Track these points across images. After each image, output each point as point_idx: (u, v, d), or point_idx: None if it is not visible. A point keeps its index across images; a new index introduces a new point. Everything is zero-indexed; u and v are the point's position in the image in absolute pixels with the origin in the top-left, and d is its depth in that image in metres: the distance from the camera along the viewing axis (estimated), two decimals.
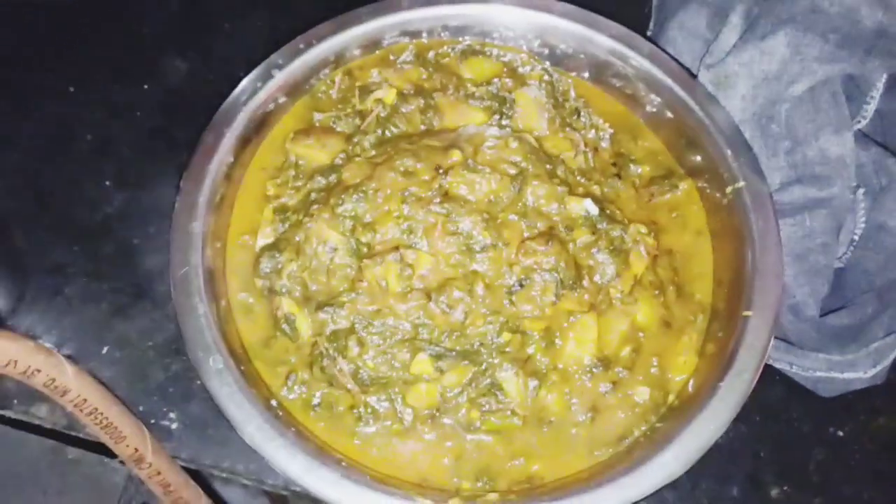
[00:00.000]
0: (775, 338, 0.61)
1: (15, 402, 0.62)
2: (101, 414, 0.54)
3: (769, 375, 0.64)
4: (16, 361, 0.49)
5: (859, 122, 0.62)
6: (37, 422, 0.62)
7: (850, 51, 0.57)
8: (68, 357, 0.56)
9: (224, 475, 0.62)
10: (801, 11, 0.57)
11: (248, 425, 0.50)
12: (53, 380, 0.51)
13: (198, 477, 0.62)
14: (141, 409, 0.62)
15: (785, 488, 0.62)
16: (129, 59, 0.77)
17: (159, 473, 0.58)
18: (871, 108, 0.61)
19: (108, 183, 0.71)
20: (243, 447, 0.59)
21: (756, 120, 0.59)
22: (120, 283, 0.66)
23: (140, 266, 0.67)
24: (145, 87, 0.75)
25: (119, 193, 0.70)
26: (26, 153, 0.72)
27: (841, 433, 0.64)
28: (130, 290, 0.66)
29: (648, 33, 0.73)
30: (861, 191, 0.62)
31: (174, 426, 0.62)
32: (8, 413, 0.62)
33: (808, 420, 0.64)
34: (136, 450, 0.56)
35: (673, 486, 0.61)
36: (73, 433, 0.62)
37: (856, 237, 0.61)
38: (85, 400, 0.53)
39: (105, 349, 0.64)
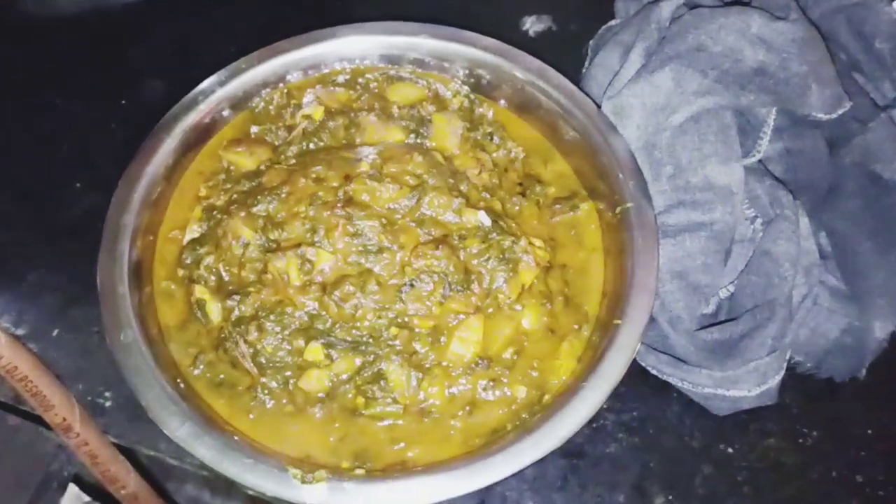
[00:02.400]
0: (669, 355, 0.65)
1: None
2: (31, 382, 0.59)
3: (667, 392, 0.67)
4: None
5: (754, 155, 0.66)
6: None
7: (726, 85, 0.61)
8: (21, 336, 0.62)
9: (151, 452, 0.67)
10: (687, 50, 0.62)
11: (147, 394, 0.56)
12: None
13: (134, 461, 0.68)
14: (80, 386, 0.68)
15: (669, 498, 0.64)
16: (112, 78, 0.85)
17: (87, 444, 0.64)
18: (763, 144, 0.65)
19: (78, 186, 0.78)
20: None
21: (645, 147, 0.64)
22: (77, 276, 0.73)
23: (93, 259, 0.74)
24: (123, 102, 0.83)
25: (87, 197, 0.78)
26: (11, 157, 0.80)
27: (731, 450, 0.66)
28: (85, 283, 0.72)
29: (583, 70, 0.78)
30: (759, 220, 0.66)
31: (108, 404, 0.67)
32: None
33: (700, 436, 0.67)
34: (65, 419, 0.61)
35: (561, 488, 0.65)
36: (20, 406, 0.68)
37: (745, 263, 0.65)
38: (16, 367, 0.58)
39: (56, 332, 0.70)
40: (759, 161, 0.67)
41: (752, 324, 0.61)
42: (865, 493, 0.64)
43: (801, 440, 0.67)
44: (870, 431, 0.67)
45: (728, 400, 0.64)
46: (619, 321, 0.58)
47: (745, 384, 0.62)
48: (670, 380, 0.66)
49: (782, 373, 0.64)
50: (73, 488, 0.69)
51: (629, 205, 0.63)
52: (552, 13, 0.89)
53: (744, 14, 0.62)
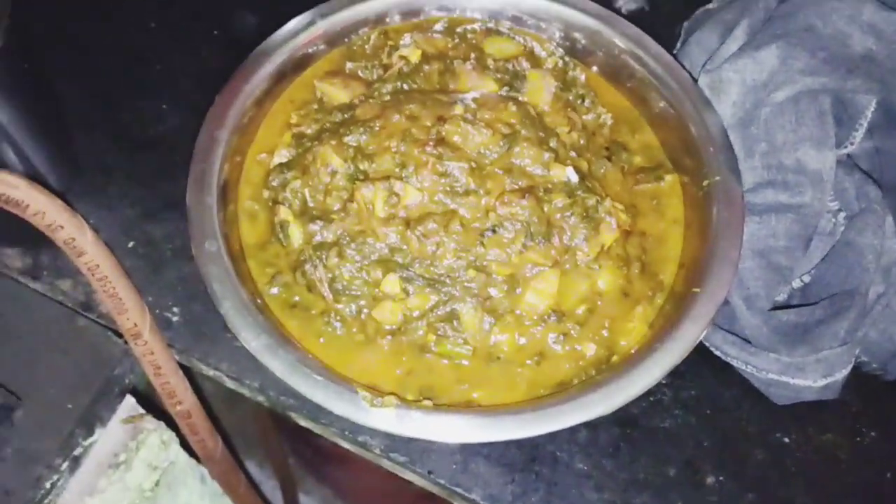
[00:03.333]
0: (736, 335, 0.65)
1: (45, 273, 0.70)
2: (110, 282, 0.61)
3: (727, 375, 0.67)
4: (44, 213, 0.56)
5: (846, 147, 0.65)
6: (60, 297, 0.70)
7: (834, 67, 0.61)
8: None
9: (210, 371, 0.68)
10: (796, 29, 0.62)
11: (225, 301, 0.57)
12: (74, 239, 0.58)
13: (189, 379, 0.69)
14: (150, 299, 0.69)
15: (720, 478, 0.64)
16: (206, 7, 0.86)
17: (152, 353, 0.65)
18: (858, 136, 0.64)
19: (165, 107, 0.79)
20: (231, 349, 0.66)
21: (741, 123, 0.64)
22: (156, 192, 0.74)
23: (176, 181, 0.74)
24: (215, 32, 0.84)
25: (172, 118, 0.79)
26: (103, 69, 0.81)
27: (786, 440, 0.66)
28: (165, 199, 0.74)
29: (674, 51, 0.78)
30: (842, 214, 0.66)
31: (175, 319, 0.69)
32: (37, 285, 0.70)
33: (757, 422, 0.66)
34: (136, 325, 0.63)
35: (613, 455, 0.65)
36: (87, 314, 0.70)
37: (825, 253, 0.64)
38: (98, 265, 0.60)
39: (131, 244, 0.72)
40: (848, 156, 0.67)
41: (830, 311, 0.60)
42: None
43: (858, 438, 0.66)
44: None
45: (791, 388, 0.64)
46: (697, 289, 0.58)
47: (812, 374, 0.62)
48: (733, 362, 0.65)
49: (849, 367, 0.63)
50: (129, 399, 0.71)
51: (717, 178, 0.62)
52: None
53: (856, 0, 0.61)
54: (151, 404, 0.74)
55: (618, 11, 0.87)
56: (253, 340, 0.55)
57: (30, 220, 0.56)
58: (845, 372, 0.63)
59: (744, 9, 0.67)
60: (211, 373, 0.68)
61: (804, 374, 0.62)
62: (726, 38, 0.69)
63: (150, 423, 0.73)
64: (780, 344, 0.61)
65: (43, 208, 0.56)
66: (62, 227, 0.57)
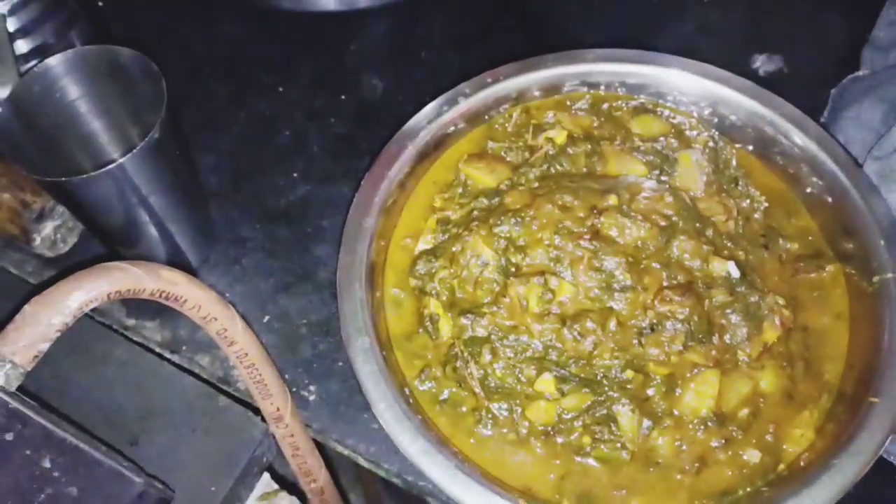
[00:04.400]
0: None
1: (184, 347, 0.70)
2: (257, 369, 0.60)
3: (889, 476, 0.63)
4: (200, 307, 0.56)
5: None
6: (197, 370, 0.70)
7: None
8: None
9: (346, 451, 0.67)
10: None
11: (380, 402, 0.56)
12: (226, 329, 0.58)
13: (323, 455, 0.68)
14: (287, 376, 0.69)
15: None
16: (334, 72, 0.86)
17: (293, 436, 0.65)
18: None
19: (295, 175, 0.79)
20: (368, 429, 0.65)
21: None
22: (289, 264, 0.74)
23: (309, 252, 0.75)
24: (342, 97, 0.84)
25: (303, 186, 0.78)
26: (234, 139, 0.82)
27: None
28: (297, 272, 0.74)
29: (822, 120, 0.75)
30: None
31: (312, 398, 0.68)
32: (175, 357, 0.71)
33: None
34: (279, 409, 0.62)
35: None
36: (225, 387, 0.70)
37: None
38: (247, 354, 0.60)
39: (266, 318, 0.72)
40: None
41: None
42: None
43: None
44: None
45: None
46: (875, 399, 0.55)
47: None
48: None
49: None
50: (265, 476, 0.71)
51: (890, 275, 0.59)
52: (784, 52, 0.85)
53: None
54: (281, 477, 0.74)
55: (755, 73, 0.85)
56: (410, 445, 0.54)
57: (185, 312, 0.56)
58: None
59: None
60: (346, 452, 0.67)
61: None
62: (890, 117, 0.65)
63: (284, 499, 0.73)
64: None
65: (199, 302, 0.56)
66: (216, 319, 0.57)
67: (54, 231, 0.71)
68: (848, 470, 0.53)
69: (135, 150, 0.57)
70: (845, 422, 0.56)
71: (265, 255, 0.75)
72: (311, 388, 0.69)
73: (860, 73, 0.75)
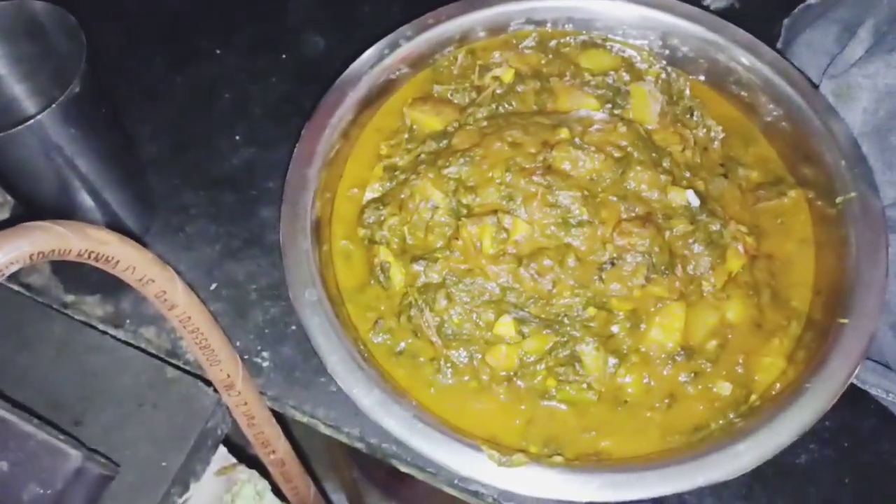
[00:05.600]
0: (875, 361, 0.60)
1: (127, 321, 0.67)
2: (202, 334, 0.57)
3: (864, 404, 0.62)
4: (134, 268, 0.53)
5: None
6: (143, 344, 0.67)
7: None
8: None
9: (305, 418, 0.64)
10: None
11: (332, 355, 0.53)
12: (164, 292, 0.54)
13: (281, 423, 0.65)
14: (238, 344, 0.65)
15: None
16: (274, 32, 0.82)
17: (246, 404, 0.61)
18: None
19: (238, 138, 0.76)
20: (326, 393, 0.63)
21: (876, 133, 0.58)
22: (235, 229, 0.71)
23: (255, 216, 0.71)
24: (283, 57, 0.81)
25: (246, 149, 0.75)
26: (171, 106, 0.78)
27: None
28: (243, 237, 0.70)
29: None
30: None
31: (265, 364, 0.65)
32: (119, 332, 0.67)
33: None
34: (228, 376, 0.59)
35: (747, 497, 0.60)
36: (173, 361, 0.66)
37: None
38: (189, 317, 0.56)
39: (213, 286, 0.68)
40: None
41: None
42: None
43: None
44: None
45: None
46: (844, 320, 0.53)
47: None
48: (872, 390, 0.60)
49: None
50: (222, 449, 0.67)
51: (852, 195, 0.57)
52: None
53: None
54: (241, 451, 0.71)
55: (706, 9, 0.83)
56: (364, 397, 0.51)
57: (119, 275, 0.53)
58: None
59: (865, 6, 0.61)
60: (305, 420, 0.65)
61: None
62: (844, 39, 0.63)
63: (244, 472, 0.70)
64: None
65: (133, 262, 0.53)
66: (153, 281, 0.54)
67: None
68: (821, 395, 0.51)
69: (54, 105, 0.53)
70: (815, 348, 0.54)
71: (209, 221, 0.71)
72: (264, 354, 0.66)
73: (811, 1, 0.73)
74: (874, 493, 0.60)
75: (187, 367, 0.66)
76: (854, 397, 0.62)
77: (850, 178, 0.58)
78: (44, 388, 0.63)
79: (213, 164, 0.74)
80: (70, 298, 0.68)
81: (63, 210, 0.63)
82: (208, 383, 0.64)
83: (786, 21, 0.75)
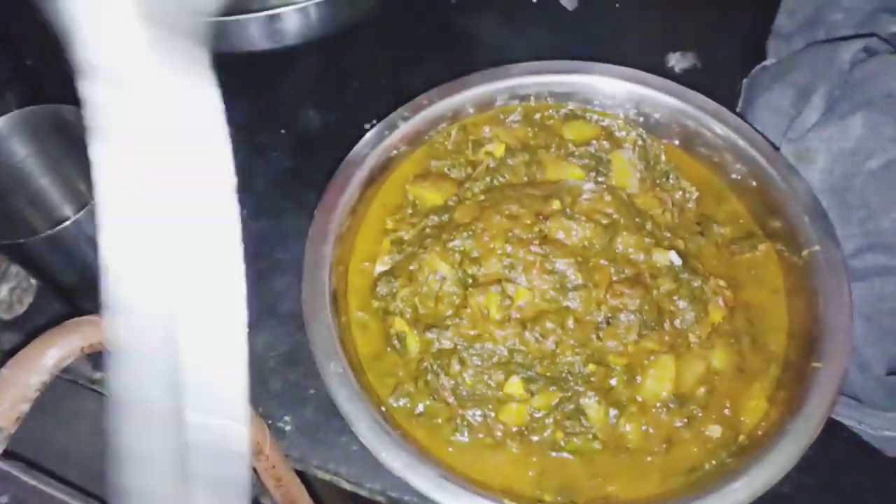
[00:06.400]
0: (846, 396, 0.66)
1: None
2: None
3: (839, 433, 0.67)
4: None
5: None
6: None
7: None
8: None
9: (328, 476, 0.68)
10: (878, 96, 0.63)
11: (360, 423, 0.57)
12: None
13: (304, 482, 0.69)
14: (260, 410, 0.69)
15: None
16: (271, 109, 0.87)
17: (274, 467, 0.66)
18: None
19: (245, 212, 0.80)
20: (348, 452, 0.67)
21: (833, 191, 0.65)
22: (251, 300, 0.74)
23: (269, 287, 0.76)
24: (282, 132, 0.86)
25: (254, 223, 0.79)
26: None
27: None
28: (259, 307, 0.74)
29: (737, 110, 0.80)
30: None
31: (288, 428, 0.69)
32: None
33: (873, 477, 0.67)
34: (258, 443, 0.64)
35: None
36: None
37: None
38: None
39: None
40: None
41: None
42: None
43: None
44: None
45: None
46: (818, 364, 0.59)
47: None
48: (846, 421, 0.66)
49: None
50: None
51: (816, 247, 0.63)
52: (696, 50, 0.90)
53: None
54: None
55: (671, 70, 0.90)
56: (393, 460, 0.56)
57: None
58: None
59: (818, 73, 0.68)
60: (328, 477, 0.69)
61: None
62: (799, 101, 0.70)
63: None
64: None
65: None
66: None
67: (10, 293, 0.71)
68: (803, 433, 0.57)
69: (88, 205, 0.58)
70: (794, 388, 0.60)
71: None
72: (286, 418, 0.70)
73: (767, 62, 0.80)
74: None
75: None
76: (829, 427, 0.67)
77: (814, 231, 0.64)
78: (83, 462, 0.67)
79: None
80: (98, 375, 0.71)
81: (88, 292, 0.67)
82: None
83: (745, 81, 0.81)
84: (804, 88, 0.70)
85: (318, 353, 0.60)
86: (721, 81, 0.84)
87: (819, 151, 0.65)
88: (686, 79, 0.89)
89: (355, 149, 0.69)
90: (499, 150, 0.70)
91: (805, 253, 0.64)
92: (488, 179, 0.68)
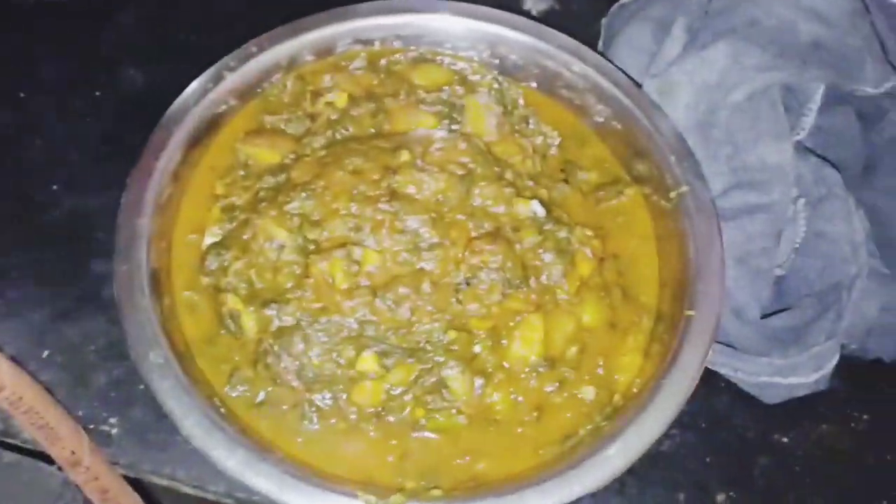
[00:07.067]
0: (721, 343, 0.63)
1: None
2: (37, 413, 0.52)
3: (715, 384, 0.65)
4: None
5: (798, 133, 0.64)
6: None
7: (788, 60, 0.59)
8: None
9: (165, 482, 0.60)
10: (741, 24, 0.60)
11: (187, 419, 0.50)
12: None
13: (140, 489, 0.61)
14: (80, 413, 0.60)
15: (731, 494, 0.62)
16: (85, 69, 0.76)
17: (97, 479, 0.57)
18: (808, 121, 0.63)
19: (55, 188, 0.70)
20: (185, 452, 0.59)
21: (698, 127, 0.61)
22: (64, 288, 0.65)
23: (87, 271, 0.66)
24: (98, 94, 0.75)
25: (68, 199, 0.69)
26: None
27: (785, 439, 0.64)
28: (75, 295, 0.65)
29: (598, 49, 0.75)
30: (801, 201, 0.64)
31: (114, 431, 0.60)
32: None
33: (754, 427, 0.64)
34: (73, 452, 0.54)
35: (620, 492, 0.61)
36: (10, 440, 0.61)
37: (797, 245, 0.63)
38: (20, 398, 0.51)
39: (45, 353, 0.62)
40: (798, 142, 0.65)
41: (820, 309, 0.59)
42: None
43: (853, 425, 0.65)
44: None
45: (783, 388, 0.62)
46: (691, 312, 0.55)
47: (804, 371, 0.60)
48: (721, 370, 0.63)
49: (837, 357, 0.62)
50: None
51: (684, 188, 0.59)
52: None
53: None
54: None
55: (528, 13, 0.84)
56: (228, 459, 0.48)
57: None
58: (834, 362, 0.62)
59: (675, 5, 0.64)
60: (165, 482, 0.60)
61: (797, 373, 0.61)
62: (659, 36, 0.66)
63: None
64: (773, 348, 0.60)
65: None
66: None
67: None
68: (679, 387, 0.53)
69: None
70: (668, 340, 0.56)
71: (34, 283, 0.65)
72: (112, 420, 0.61)
73: (624, 1, 0.76)
74: (736, 467, 0.63)
75: (27, 446, 0.60)
76: (706, 378, 0.64)
77: (681, 172, 0.60)
78: None
79: (30, 219, 0.68)
80: None
81: None
82: (52, 461, 0.59)
83: (604, 21, 0.77)
84: (663, 20, 0.66)
85: (135, 342, 0.52)
86: (581, 23, 0.79)
87: (682, 85, 0.61)
88: (544, 22, 0.84)
89: (174, 105, 0.61)
90: (341, 100, 0.62)
91: (672, 195, 0.60)
92: (330, 133, 0.61)
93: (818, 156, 0.65)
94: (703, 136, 0.61)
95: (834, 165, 0.66)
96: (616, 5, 0.77)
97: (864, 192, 0.66)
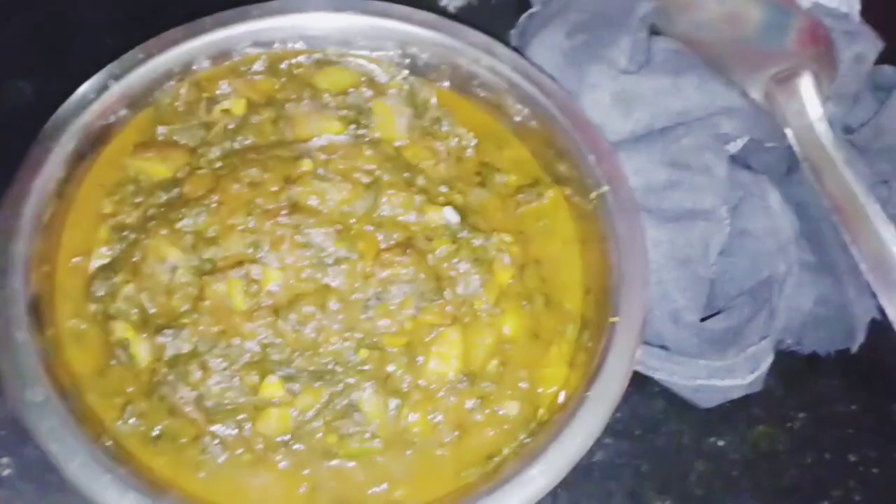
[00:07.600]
0: (655, 346, 0.60)
1: None
2: None
3: (649, 389, 0.63)
4: None
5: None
6: None
7: None
8: None
9: None
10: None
11: (71, 462, 0.45)
12: None
13: None
14: None
15: (668, 502, 0.60)
16: None
17: None
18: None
19: None
20: None
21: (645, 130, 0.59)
22: None
23: None
24: None
25: None
26: None
27: (721, 443, 0.62)
28: None
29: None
30: (724, 207, 0.62)
31: (6, 472, 0.56)
32: None
33: (689, 432, 0.63)
34: None
35: None
36: None
37: (721, 250, 0.61)
38: None
39: None
40: None
41: (754, 307, 0.57)
42: (860, 473, 0.62)
43: (789, 424, 0.64)
44: (854, 407, 0.64)
45: (719, 390, 0.60)
46: (615, 319, 0.52)
47: (741, 372, 0.59)
48: (656, 374, 0.61)
49: (771, 357, 0.60)
50: None
51: (605, 188, 0.57)
52: None
53: None
54: None
55: (444, 10, 0.81)
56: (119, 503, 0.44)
57: None
58: (769, 362, 0.60)
59: (588, 11, 0.62)
60: None
61: (733, 374, 0.59)
62: (575, 36, 0.64)
63: None
64: (711, 350, 0.58)
65: None
66: None
67: None
68: (604, 398, 0.50)
69: None
70: (594, 348, 0.53)
71: None
72: (4, 460, 0.56)
73: (534, 9, 0.74)
74: (671, 474, 0.61)
75: None
76: (639, 384, 0.62)
77: (600, 171, 0.57)
78: None
79: None
80: None
81: None
82: None
83: (512, 32, 0.75)
84: (577, 23, 0.63)
85: (9, 380, 0.47)
86: (499, 20, 0.77)
87: (645, 100, 0.61)
88: (461, 19, 0.81)
89: (53, 118, 0.56)
90: (238, 107, 0.58)
91: (593, 196, 0.57)
92: (227, 143, 0.57)
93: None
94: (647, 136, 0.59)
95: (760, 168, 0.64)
96: (525, 15, 0.75)
97: (791, 189, 0.65)
